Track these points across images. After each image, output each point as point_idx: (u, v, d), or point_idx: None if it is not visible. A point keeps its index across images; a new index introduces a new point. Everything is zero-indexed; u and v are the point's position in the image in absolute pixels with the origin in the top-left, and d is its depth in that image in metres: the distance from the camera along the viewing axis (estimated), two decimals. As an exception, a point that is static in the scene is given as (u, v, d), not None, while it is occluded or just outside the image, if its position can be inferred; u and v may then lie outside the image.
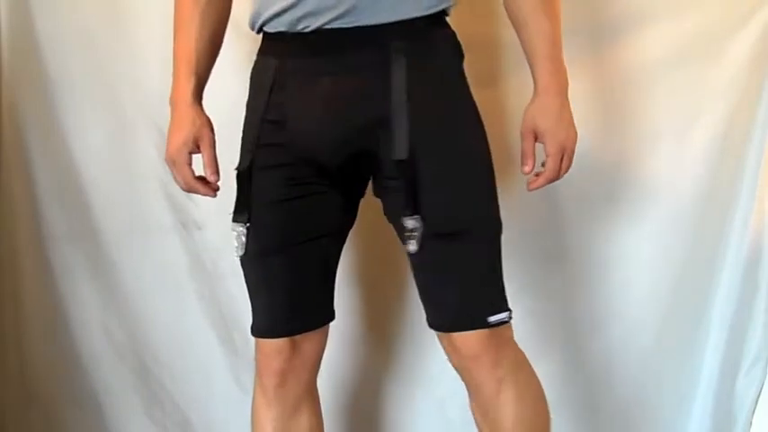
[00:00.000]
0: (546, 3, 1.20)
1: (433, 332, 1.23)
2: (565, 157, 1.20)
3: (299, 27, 1.14)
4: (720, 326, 1.68)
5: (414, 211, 1.12)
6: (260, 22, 1.19)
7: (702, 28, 1.60)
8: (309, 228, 1.21)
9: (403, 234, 1.14)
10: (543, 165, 1.21)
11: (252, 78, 1.24)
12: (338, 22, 1.12)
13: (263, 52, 1.23)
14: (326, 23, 1.12)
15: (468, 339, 1.17)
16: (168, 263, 1.70)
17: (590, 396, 1.76)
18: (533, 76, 1.21)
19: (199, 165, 1.24)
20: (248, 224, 1.19)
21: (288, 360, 1.25)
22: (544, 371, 1.28)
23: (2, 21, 1.60)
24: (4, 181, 1.66)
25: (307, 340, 1.27)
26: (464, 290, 1.17)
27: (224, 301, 1.72)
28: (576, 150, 1.22)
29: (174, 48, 1.25)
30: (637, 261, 1.70)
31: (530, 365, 1.24)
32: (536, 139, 1.21)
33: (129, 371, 1.74)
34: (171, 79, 1.25)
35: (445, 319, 1.19)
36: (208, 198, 1.66)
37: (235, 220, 1.20)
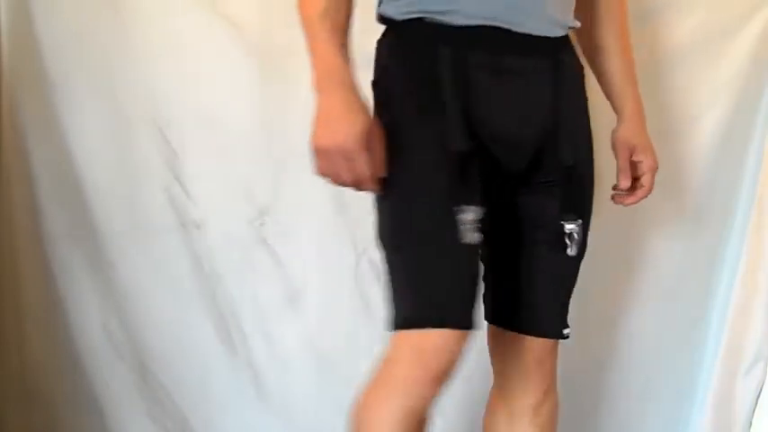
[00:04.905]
0: (625, 32, 1.31)
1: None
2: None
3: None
4: (720, 326, 1.68)
5: (578, 215, 1.18)
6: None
7: (702, 28, 1.60)
8: None
9: (553, 237, 1.18)
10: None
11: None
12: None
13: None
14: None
15: (547, 344, 1.23)
16: (168, 263, 1.70)
17: (590, 396, 1.76)
18: (619, 100, 1.31)
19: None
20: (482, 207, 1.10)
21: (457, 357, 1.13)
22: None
23: (2, 21, 1.60)
24: (4, 181, 1.66)
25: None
26: (566, 300, 1.24)
27: (224, 301, 1.72)
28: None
29: (317, 16, 1.09)
30: (636, 261, 1.70)
31: None
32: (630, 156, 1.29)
33: (129, 370, 1.74)
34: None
35: (535, 323, 1.22)
36: (208, 198, 1.68)
37: (466, 202, 1.08)
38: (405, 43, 1.15)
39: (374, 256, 1.70)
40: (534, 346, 1.23)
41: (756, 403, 1.67)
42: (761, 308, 1.65)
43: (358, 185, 1.09)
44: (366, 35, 1.18)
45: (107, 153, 1.66)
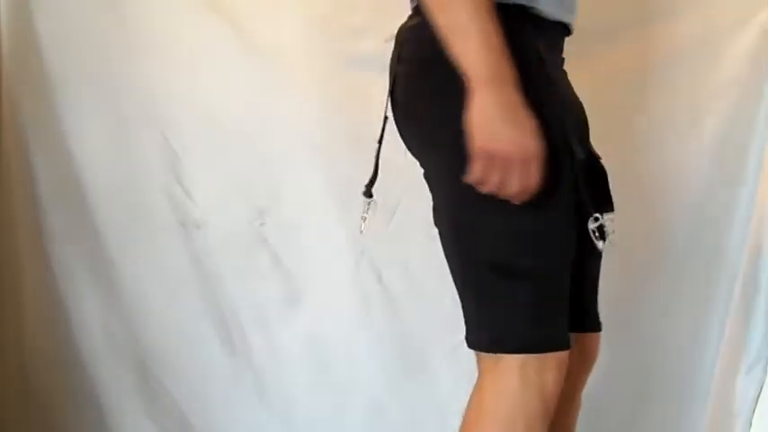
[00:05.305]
0: None
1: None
2: None
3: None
4: (720, 326, 1.68)
5: (612, 207, 1.09)
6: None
7: (702, 28, 1.60)
8: None
9: (597, 231, 1.03)
10: None
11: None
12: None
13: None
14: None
15: (598, 338, 1.21)
16: (168, 263, 1.70)
17: (590, 396, 1.75)
18: None
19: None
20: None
21: None
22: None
23: (2, 21, 1.60)
24: (4, 181, 1.66)
25: None
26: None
27: (224, 301, 1.72)
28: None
29: (481, 5, 0.92)
30: (637, 261, 1.70)
31: None
32: None
33: (129, 370, 1.74)
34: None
35: (594, 320, 1.19)
36: (208, 198, 1.69)
37: (604, 209, 1.02)
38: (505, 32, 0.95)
39: (374, 256, 1.70)
40: (591, 342, 1.20)
41: (756, 403, 1.67)
42: (761, 308, 1.65)
43: (521, 196, 0.93)
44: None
45: (107, 153, 1.67)
